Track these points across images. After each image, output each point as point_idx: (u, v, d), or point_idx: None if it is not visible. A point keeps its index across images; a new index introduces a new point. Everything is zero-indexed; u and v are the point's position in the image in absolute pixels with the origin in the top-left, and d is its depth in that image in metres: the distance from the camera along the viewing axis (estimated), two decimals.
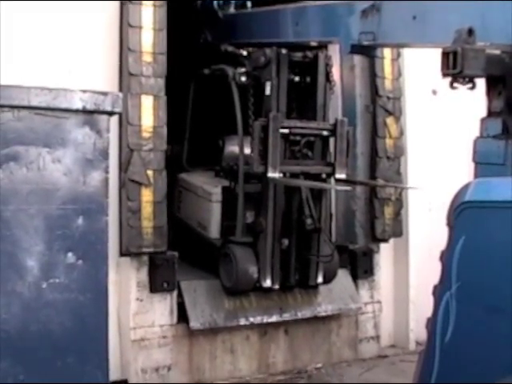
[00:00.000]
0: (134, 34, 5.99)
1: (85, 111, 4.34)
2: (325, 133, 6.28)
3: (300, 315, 6.74)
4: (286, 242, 6.35)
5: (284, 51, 6.26)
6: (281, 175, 6.02)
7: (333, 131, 6.22)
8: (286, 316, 6.67)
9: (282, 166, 6.03)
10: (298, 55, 6.38)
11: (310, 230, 6.26)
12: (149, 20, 6.04)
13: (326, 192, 6.48)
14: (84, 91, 4.35)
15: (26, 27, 5.57)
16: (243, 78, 6.47)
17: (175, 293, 6.29)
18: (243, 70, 6.49)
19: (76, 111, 4.32)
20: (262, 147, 5.98)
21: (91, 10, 5.91)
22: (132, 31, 5.99)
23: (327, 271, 6.56)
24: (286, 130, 6.09)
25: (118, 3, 6.00)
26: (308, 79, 6.43)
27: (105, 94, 4.45)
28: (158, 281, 6.16)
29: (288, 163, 6.15)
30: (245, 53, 6.54)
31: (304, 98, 6.47)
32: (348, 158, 6.25)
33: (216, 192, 6.72)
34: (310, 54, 6.39)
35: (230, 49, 6.68)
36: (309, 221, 6.19)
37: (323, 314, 6.90)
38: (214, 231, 6.70)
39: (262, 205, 6.28)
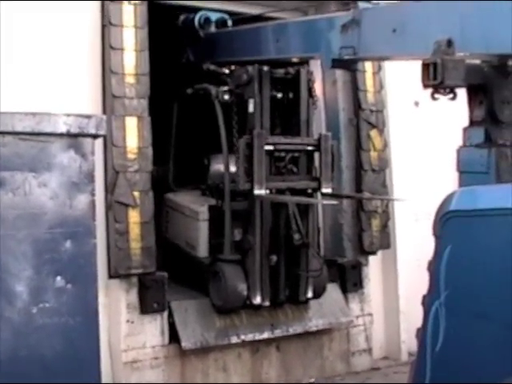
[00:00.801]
0: (116, 55, 6.01)
1: (69, 135, 4.36)
2: (309, 148, 6.30)
3: (291, 331, 6.73)
4: (274, 258, 6.34)
5: (266, 68, 6.28)
6: (267, 192, 6.03)
7: (317, 146, 6.25)
8: (278, 332, 6.66)
9: (268, 183, 6.04)
10: (280, 72, 6.41)
11: (298, 245, 6.26)
12: (130, 41, 6.06)
13: (312, 207, 6.49)
14: (68, 115, 4.37)
15: (8, 51, 5.56)
16: (226, 97, 6.48)
17: (166, 313, 6.26)
18: (226, 88, 6.50)
19: (60, 135, 4.34)
20: (248, 164, 5.99)
21: (72, 33, 5.93)
22: (114, 53, 6.00)
23: (317, 286, 6.56)
24: (270, 147, 6.10)
25: (99, 26, 6.02)
26: (291, 95, 6.45)
27: (88, 117, 4.47)
28: (148, 302, 6.14)
29: (274, 179, 6.16)
30: (227, 71, 6.57)
31: (287, 114, 6.49)
32: (333, 172, 6.27)
33: (203, 211, 6.71)
34: (291, 70, 6.41)
35: (212, 67, 6.70)
36: (297, 236, 6.19)
37: (314, 328, 6.89)
38: (202, 250, 6.69)
39: (250, 222, 6.28)
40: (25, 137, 4.21)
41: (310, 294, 6.53)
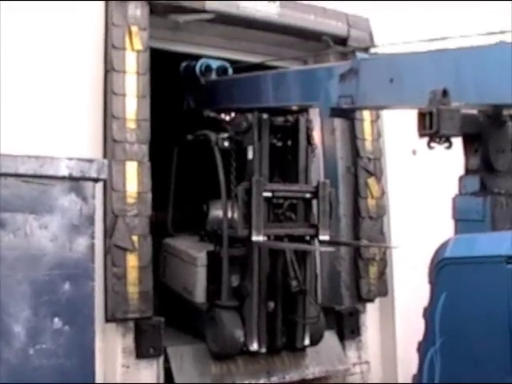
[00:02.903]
0: (118, 101, 6.08)
1: (71, 178, 4.41)
2: (307, 195, 6.35)
3: (288, 378, 6.68)
4: (271, 304, 6.33)
5: (265, 116, 6.34)
6: (265, 238, 6.04)
7: (315, 193, 6.29)
8: (274, 379, 6.60)
9: (266, 229, 6.06)
10: (280, 119, 6.47)
11: (296, 292, 6.26)
12: (132, 87, 6.12)
13: (310, 254, 6.51)
14: (70, 159, 4.43)
15: (12, 93, 5.63)
16: (226, 143, 6.55)
17: (162, 358, 6.22)
18: (226, 135, 6.57)
19: (62, 178, 4.39)
20: (246, 211, 6.01)
21: (75, 78, 6.01)
22: (116, 98, 6.07)
23: (314, 333, 6.54)
24: (269, 194, 6.14)
25: (101, 71, 6.11)
26: (290, 143, 6.51)
27: (90, 161, 4.53)
28: (145, 347, 6.11)
29: (272, 226, 6.19)
30: (227, 118, 6.64)
31: (286, 162, 6.54)
32: (331, 219, 6.29)
33: (201, 256, 6.71)
34: (291, 118, 6.48)
35: (213, 114, 6.80)
36: (294, 283, 6.19)
37: (311, 376, 6.85)
38: (199, 296, 6.68)
39: (247, 268, 6.29)
40: (27, 179, 4.26)
41: (307, 341, 6.51)
